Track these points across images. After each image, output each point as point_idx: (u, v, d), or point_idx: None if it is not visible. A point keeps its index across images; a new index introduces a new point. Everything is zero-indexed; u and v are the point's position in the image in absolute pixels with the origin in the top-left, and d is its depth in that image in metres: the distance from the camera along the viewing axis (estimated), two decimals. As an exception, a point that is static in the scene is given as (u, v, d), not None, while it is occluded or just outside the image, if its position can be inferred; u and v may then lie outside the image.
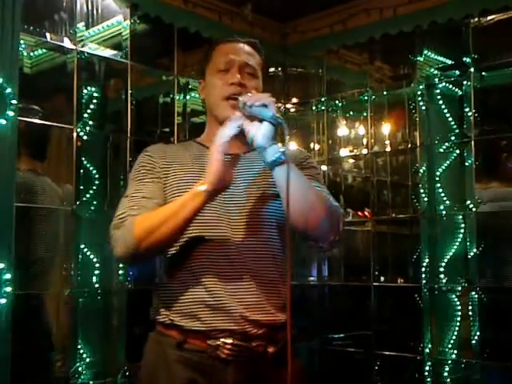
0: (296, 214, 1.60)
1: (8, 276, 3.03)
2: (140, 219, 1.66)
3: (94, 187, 3.74)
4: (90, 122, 3.71)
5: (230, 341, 1.66)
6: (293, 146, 4.54)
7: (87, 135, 3.68)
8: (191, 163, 1.81)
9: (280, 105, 4.95)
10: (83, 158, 3.68)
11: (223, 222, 1.69)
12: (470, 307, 4.13)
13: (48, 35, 3.59)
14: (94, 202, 3.73)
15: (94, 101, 3.76)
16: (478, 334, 4.06)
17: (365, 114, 4.71)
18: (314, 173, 1.86)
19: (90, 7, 3.74)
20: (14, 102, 3.10)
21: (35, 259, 3.78)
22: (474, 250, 4.11)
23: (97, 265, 3.73)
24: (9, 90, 3.08)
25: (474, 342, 4.07)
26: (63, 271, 3.78)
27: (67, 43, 3.65)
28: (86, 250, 3.70)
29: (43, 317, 3.88)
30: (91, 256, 3.71)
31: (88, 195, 3.71)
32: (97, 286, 3.72)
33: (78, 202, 3.64)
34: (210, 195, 1.63)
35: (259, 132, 1.63)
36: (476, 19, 4.10)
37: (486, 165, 4.24)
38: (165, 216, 1.65)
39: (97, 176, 3.76)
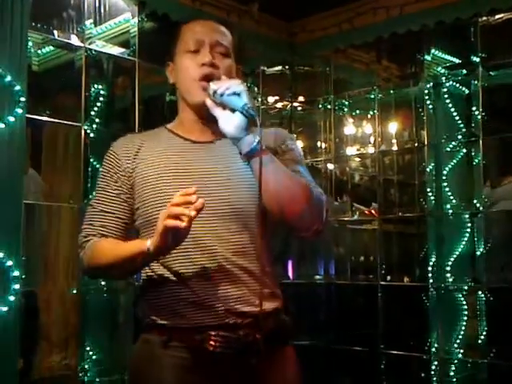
0: (276, 205, 1.58)
1: (16, 273, 3.03)
2: (94, 253, 1.66)
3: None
4: (98, 120, 3.71)
5: (216, 332, 1.60)
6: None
7: (94, 133, 3.68)
8: (161, 155, 1.71)
9: (287, 103, 4.96)
10: (90, 156, 3.68)
11: (200, 216, 1.51)
12: (477, 307, 4.12)
13: (56, 33, 3.59)
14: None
15: (102, 99, 3.76)
16: (484, 333, 4.05)
17: (372, 113, 4.71)
18: (293, 156, 1.76)
19: (97, 5, 3.74)
20: (22, 99, 3.10)
21: (42, 257, 3.80)
22: (481, 250, 4.10)
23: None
24: (17, 88, 3.08)
25: (480, 341, 4.07)
26: (70, 269, 3.79)
27: (75, 41, 3.65)
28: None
29: (49, 314, 3.89)
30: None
31: (92, 195, 3.71)
32: (103, 283, 3.72)
33: (85, 201, 3.63)
34: (155, 256, 1.57)
35: (231, 122, 1.56)
36: (484, 18, 4.09)
37: (498, 162, 4.24)
38: (113, 262, 1.63)
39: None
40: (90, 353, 3.63)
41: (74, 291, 3.70)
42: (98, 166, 3.71)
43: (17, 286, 3.05)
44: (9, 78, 3.05)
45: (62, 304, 3.95)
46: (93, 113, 3.70)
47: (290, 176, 1.62)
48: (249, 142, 1.56)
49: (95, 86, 3.75)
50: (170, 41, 1.79)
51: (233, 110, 1.56)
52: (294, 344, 1.75)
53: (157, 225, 1.49)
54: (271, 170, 1.56)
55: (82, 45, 3.65)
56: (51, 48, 3.70)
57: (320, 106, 4.95)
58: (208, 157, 1.70)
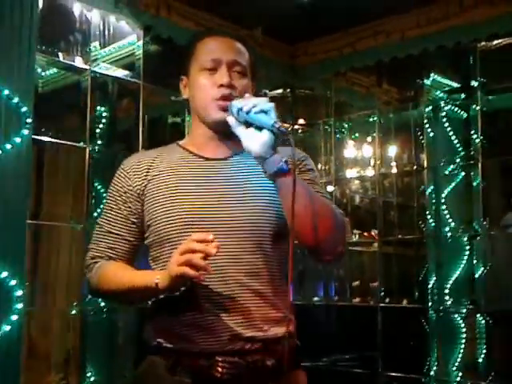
0: (303, 228, 1.50)
1: (20, 293, 3.05)
2: (101, 278, 1.63)
3: (101, 207, 3.78)
4: (103, 141, 3.76)
5: (223, 358, 1.53)
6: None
7: (99, 154, 3.72)
8: (173, 172, 1.65)
9: (288, 125, 5.00)
10: (95, 177, 3.72)
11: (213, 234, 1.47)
12: (476, 329, 4.14)
13: (62, 55, 3.64)
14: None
15: (106, 120, 3.81)
16: (483, 356, 4.07)
17: (372, 136, 4.76)
18: (312, 176, 1.71)
19: (103, 28, 3.80)
20: (29, 120, 3.13)
21: (44, 276, 3.82)
22: (480, 272, 4.13)
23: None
24: (24, 109, 3.12)
25: (479, 364, 4.08)
26: (71, 289, 3.81)
27: (81, 63, 3.70)
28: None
29: (49, 334, 3.90)
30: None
31: (96, 214, 3.74)
32: (102, 304, 3.72)
33: (88, 221, 3.66)
34: (163, 293, 1.53)
35: (257, 141, 1.49)
36: (483, 43, 4.16)
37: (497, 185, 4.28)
38: (120, 291, 1.60)
39: (105, 195, 3.79)
40: (89, 373, 3.63)
41: (74, 312, 3.70)
42: (100, 187, 3.76)
43: (20, 306, 3.06)
44: (16, 100, 3.08)
45: (62, 324, 3.96)
46: (98, 134, 3.75)
47: (317, 198, 1.57)
48: (276, 161, 1.50)
49: (100, 107, 3.80)
50: (184, 54, 1.73)
51: (259, 129, 1.50)
52: (305, 368, 1.70)
53: (169, 266, 1.45)
54: (300, 192, 1.48)
55: (87, 67, 3.70)
56: (58, 70, 3.76)
57: (320, 128, 5.00)
58: (221, 174, 1.64)
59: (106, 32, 3.84)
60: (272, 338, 1.56)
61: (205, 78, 1.65)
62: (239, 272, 1.56)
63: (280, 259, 1.64)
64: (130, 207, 1.66)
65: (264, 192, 1.62)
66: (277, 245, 1.62)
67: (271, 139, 1.48)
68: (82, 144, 3.64)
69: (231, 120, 1.55)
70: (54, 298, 3.95)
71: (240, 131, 1.53)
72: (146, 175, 1.66)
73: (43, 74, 3.78)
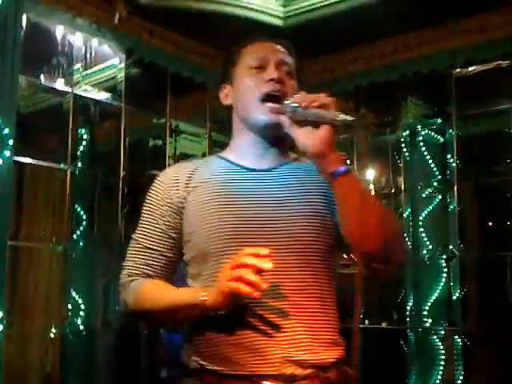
0: (365, 234, 1.41)
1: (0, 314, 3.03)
2: (140, 298, 1.53)
3: (82, 227, 3.78)
4: (84, 163, 3.78)
5: (273, 383, 1.40)
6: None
7: (80, 176, 3.74)
8: (215, 184, 1.55)
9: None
10: (75, 199, 3.73)
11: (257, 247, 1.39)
12: (454, 350, 4.18)
13: (45, 77, 3.67)
14: (81, 243, 3.76)
15: (88, 142, 3.83)
16: (461, 377, 4.10)
17: (350, 160, 4.81)
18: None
19: (86, 51, 3.84)
20: (10, 142, 3.14)
21: (23, 298, 3.79)
22: (457, 294, 4.19)
23: (82, 306, 3.73)
24: (6, 131, 3.12)
25: (458, 384, 4.12)
26: (50, 310, 3.79)
27: (63, 85, 3.73)
28: (72, 289, 3.71)
29: (29, 356, 3.87)
30: (77, 296, 3.72)
31: (75, 235, 3.75)
32: (81, 328, 3.72)
33: (68, 242, 3.67)
34: (211, 312, 1.42)
35: (316, 138, 1.40)
36: (458, 70, 4.26)
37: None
38: (162, 311, 1.50)
39: (85, 217, 3.81)
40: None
41: (52, 334, 3.67)
42: (80, 208, 3.77)
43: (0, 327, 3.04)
44: (-2, 121, 3.10)
45: (40, 346, 3.93)
46: (79, 156, 3.76)
47: (379, 201, 1.47)
48: (336, 159, 1.42)
49: (82, 129, 3.82)
50: (225, 61, 1.67)
51: (316, 126, 1.41)
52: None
53: (219, 281, 1.38)
54: (361, 193, 1.42)
55: (69, 89, 3.73)
56: (39, 92, 3.78)
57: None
58: (265, 186, 1.54)
59: (89, 55, 3.88)
60: (324, 363, 1.44)
61: (251, 76, 1.57)
62: (287, 289, 1.44)
63: (328, 275, 1.52)
64: (168, 221, 1.56)
65: (310, 205, 1.52)
66: (325, 260, 1.51)
67: (332, 134, 1.40)
68: (63, 165, 3.66)
69: (284, 120, 1.46)
70: (32, 320, 3.92)
71: (294, 131, 1.45)
72: (185, 187, 1.56)
73: (25, 95, 3.79)
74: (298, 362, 1.41)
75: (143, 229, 1.59)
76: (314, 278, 1.48)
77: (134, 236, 1.61)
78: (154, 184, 1.62)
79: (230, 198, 1.51)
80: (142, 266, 1.56)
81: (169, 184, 1.58)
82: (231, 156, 1.62)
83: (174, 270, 1.60)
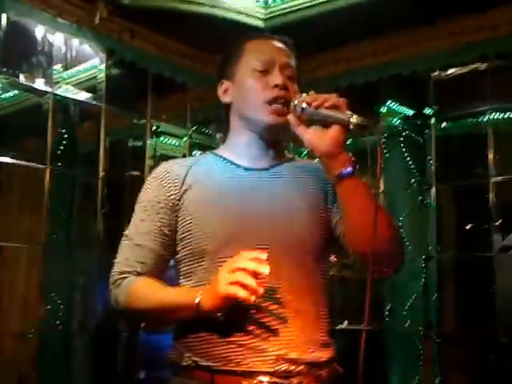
0: (365, 237, 1.39)
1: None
2: (132, 295, 1.50)
3: (60, 227, 3.78)
4: (64, 163, 3.77)
5: (267, 379, 1.41)
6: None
7: (59, 176, 3.73)
8: (212, 182, 1.55)
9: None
10: (55, 198, 3.71)
11: (256, 249, 1.41)
12: (432, 351, 4.22)
13: (24, 77, 3.65)
14: (59, 243, 3.75)
15: (68, 142, 3.82)
16: (439, 377, 4.14)
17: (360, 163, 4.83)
18: None
19: (66, 50, 3.82)
20: (-11, 141, 3.14)
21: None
22: (435, 295, 4.23)
23: (60, 306, 3.72)
24: (-15, 131, 3.12)
25: (436, 385, 4.16)
26: (27, 310, 3.78)
27: (43, 85, 3.72)
28: (50, 289, 3.69)
29: (3, 357, 3.85)
30: (54, 296, 3.71)
31: (54, 235, 3.74)
32: (59, 327, 3.70)
33: (46, 242, 3.65)
34: (205, 314, 1.41)
35: (326, 138, 1.41)
36: (437, 72, 4.30)
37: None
38: (154, 310, 1.49)
39: (64, 216, 3.80)
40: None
41: (29, 335, 3.66)
42: (60, 208, 3.75)
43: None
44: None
45: (15, 347, 3.92)
46: (58, 156, 3.75)
47: (380, 204, 1.48)
48: (344, 160, 1.42)
49: (61, 129, 3.81)
50: (226, 57, 1.65)
51: (325, 125, 1.41)
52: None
53: (216, 284, 1.37)
54: (366, 195, 1.43)
55: (49, 89, 3.72)
56: (19, 92, 3.77)
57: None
58: (263, 186, 1.54)
59: (69, 55, 3.88)
60: (316, 362, 1.46)
61: (256, 80, 1.56)
62: (283, 289, 1.45)
63: (322, 276, 1.54)
64: (163, 218, 1.54)
65: (307, 205, 1.53)
66: (320, 262, 1.53)
67: (342, 135, 1.41)
68: (42, 165, 3.64)
69: (291, 119, 1.47)
70: (8, 320, 3.90)
71: (302, 130, 1.45)
72: (182, 185, 1.55)
73: (4, 95, 3.78)
74: (292, 360, 1.43)
75: (136, 226, 1.57)
76: (309, 279, 1.50)
77: (126, 233, 1.58)
78: (148, 181, 1.60)
79: (227, 197, 1.51)
80: (134, 264, 1.53)
81: (164, 181, 1.56)
82: (228, 154, 1.61)
83: (166, 268, 1.58)
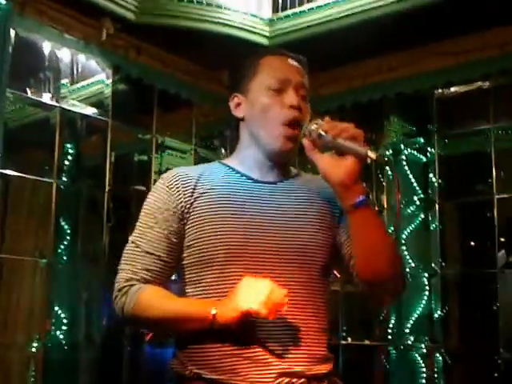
0: (371, 269, 1.44)
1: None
2: (141, 304, 1.48)
3: (66, 241, 3.80)
4: (70, 177, 3.80)
5: None
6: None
7: (66, 189, 3.75)
8: (222, 192, 1.54)
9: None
10: (61, 212, 3.74)
11: (262, 262, 1.45)
12: (435, 367, 4.21)
13: (32, 91, 3.70)
14: (65, 256, 3.77)
15: (74, 156, 3.86)
16: (442, 394, 4.13)
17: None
18: None
19: (73, 66, 3.87)
20: (-3, 155, 3.17)
21: (5, 310, 3.78)
22: (439, 311, 4.23)
23: (65, 320, 3.73)
24: (-7, 144, 3.15)
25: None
26: (33, 324, 3.79)
27: (50, 100, 3.76)
28: (55, 303, 3.71)
29: (9, 371, 3.85)
30: (60, 309, 3.72)
31: (59, 249, 3.76)
32: (64, 340, 3.71)
33: (52, 255, 3.67)
34: (218, 327, 1.41)
35: (342, 168, 1.41)
36: (440, 90, 4.34)
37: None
38: (163, 318, 1.48)
39: (69, 230, 3.82)
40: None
41: (34, 348, 3.66)
42: (64, 223, 3.78)
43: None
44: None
45: (21, 361, 3.91)
46: (64, 170, 3.78)
47: (389, 236, 1.53)
48: (358, 191, 1.42)
49: (68, 143, 3.85)
50: (240, 70, 1.63)
51: (340, 153, 1.42)
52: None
53: (237, 299, 1.39)
54: (377, 226, 1.45)
55: (56, 104, 3.76)
56: (26, 106, 3.81)
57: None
58: (271, 198, 1.55)
59: (76, 70, 3.92)
60: (316, 375, 1.47)
61: (270, 98, 1.54)
62: (288, 304, 1.43)
63: (324, 294, 1.55)
64: (172, 226, 1.52)
65: (314, 220, 1.54)
66: (323, 278, 1.54)
67: (358, 167, 1.41)
68: (49, 179, 3.67)
69: (307, 143, 1.46)
70: (14, 334, 3.90)
71: (317, 156, 1.45)
72: (192, 193, 1.53)
73: (12, 109, 3.82)
74: (295, 373, 1.44)
75: (144, 233, 1.54)
76: (313, 294, 1.51)
77: (132, 239, 1.56)
78: (156, 187, 1.58)
79: (237, 208, 1.51)
80: (141, 271, 1.51)
81: (173, 188, 1.54)
82: (236, 165, 1.61)
83: (172, 275, 1.57)
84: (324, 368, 1.49)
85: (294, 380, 1.43)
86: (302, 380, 1.44)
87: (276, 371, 1.42)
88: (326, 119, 1.46)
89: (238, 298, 1.39)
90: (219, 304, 1.42)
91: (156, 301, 1.49)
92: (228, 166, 1.61)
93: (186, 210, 1.52)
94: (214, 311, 1.40)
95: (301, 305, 1.48)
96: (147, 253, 1.52)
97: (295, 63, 1.59)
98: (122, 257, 1.55)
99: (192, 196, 1.53)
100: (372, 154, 1.38)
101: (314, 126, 1.45)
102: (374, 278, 1.46)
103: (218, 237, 1.48)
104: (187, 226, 1.52)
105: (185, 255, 1.53)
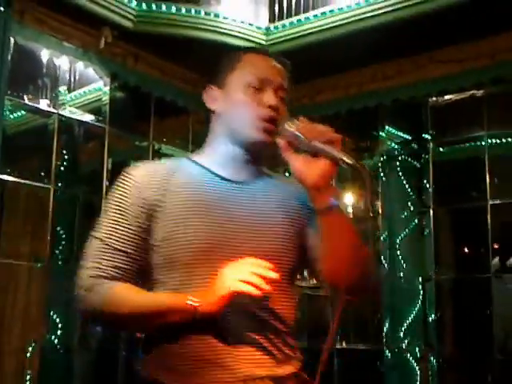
0: (338, 271, 1.42)
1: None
2: (112, 300, 1.42)
3: (62, 246, 3.83)
4: (67, 183, 3.84)
5: None
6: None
7: (62, 195, 3.79)
8: (194, 191, 1.49)
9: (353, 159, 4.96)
10: (57, 217, 3.77)
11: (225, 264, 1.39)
12: (429, 372, 4.25)
13: (30, 98, 3.74)
14: (60, 261, 3.80)
15: (71, 162, 3.89)
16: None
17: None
18: None
19: (71, 73, 3.92)
20: (-5, 161, 3.20)
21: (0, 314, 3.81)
22: (433, 315, 4.27)
23: (60, 324, 3.75)
24: (-9, 151, 3.19)
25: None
26: (28, 327, 3.81)
27: (48, 106, 3.80)
28: (51, 307, 3.74)
29: (4, 374, 3.87)
30: (55, 313, 3.75)
31: (55, 253, 3.79)
32: (59, 344, 3.73)
33: (49, 260, 3.70)
34: (198, 318, 1.37)
35: (316, 170, 1.39)
36: (434, 98, 4.39)
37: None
38: (139, 312, 1.42)
39: (65, 235, 3.86)
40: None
41: (30, 351, 3.69)
42: (60, 227, 3.80)
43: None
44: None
45: (17, 364, 3.94)
46: (61, 176, 3.82)
47: (359, 239, 1.46)
48: (330, 194, 1.41)
49: (65, 150, 3.88)
50: (220, 64, 1.57)
51: (315, 155, 1.39)
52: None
53: (216, 285, 1.36)
54: (348, 228, 1.44)
55: (54, 111, 3.80)
56: (25, 113, 3.84)
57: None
58: (241, 199, 1.52)
59: (74, 78, 3.96)
60: (282, 376, 1.44)
61: (249, 96, 1.51)
62: (254, 305, 1.42)
63: (291, 296, 1.53)
64: (139, 222, 1.46)
65: (282, 224, 1.51)
66: (291, 278, 1.52)
67: (333, 170, 1.39)
68: (46, 184, 3.71)
69: (282, 142, 1.43)
70: (9, 337, 3.93)
71: (290, 156, 1.42)
72: (163, 190, 1.47)
73: (11, 116, 3.86)
74: (259, 376, 1.41)
75: (111, 228, 1.46)
76: (279, 297, 1.47)
77: (97, 235, 1.47)
78: (125, 179, 1.49)
79: (205, 208, 1.47)
80: (109, 269, 1.43)
81: (143, 183, 1.47)
82: (207, 163, 1.56)
83: (139, 273, 1.48)
84: (289, 369, 1.46)
85: (258, 382, 1.40)
86: (267, 382, 1.41)
87: (240, 375, 1.39)
88: (301, 119, 1.43)
89: (220, 283, 1.36)
90: (200, 295, 1.38)
91: (129, 296, 1.43)
92: (198, 164, 1.56)
93: (155, 208, 1.46)
94: (197, 300, 1.36)
95: (269, 306, 1.45)
96: (115, 249, 1.44)
97: (278, 65, 1.57)
98: (84, 253, 1.47)
99: (162, 194, 1.47)
100: (346, 159, 1.36)
101: (290, 127, 1.42)
102: (342, 281, 1.40)
103: (183, 239, 1.44)
104: (155, 224, 1.46)
105: (151, 254, 1.47)
